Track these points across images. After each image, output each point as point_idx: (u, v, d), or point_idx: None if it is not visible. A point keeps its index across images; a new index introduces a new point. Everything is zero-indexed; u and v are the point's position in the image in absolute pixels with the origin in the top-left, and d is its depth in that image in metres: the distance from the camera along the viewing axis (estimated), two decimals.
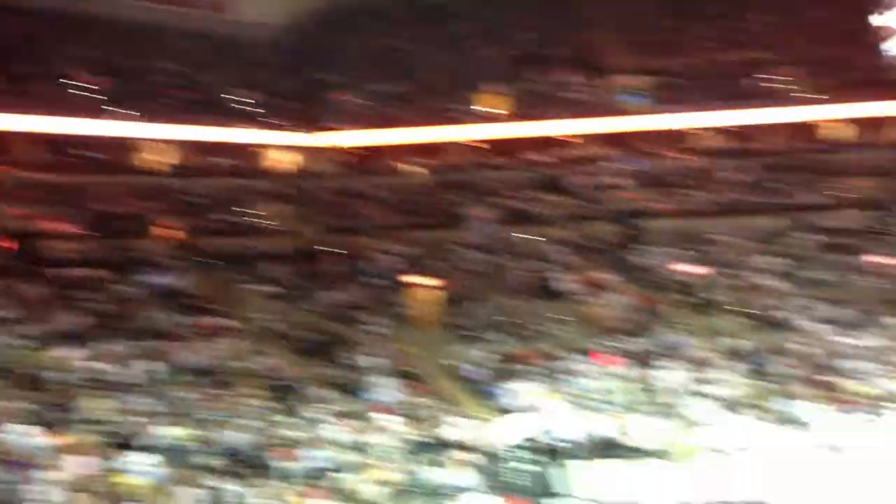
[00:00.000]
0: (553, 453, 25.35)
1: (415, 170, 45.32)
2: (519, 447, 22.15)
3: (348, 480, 21.55)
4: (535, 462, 23.35)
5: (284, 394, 26.03)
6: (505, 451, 22.08)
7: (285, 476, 21.33)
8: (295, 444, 22.75)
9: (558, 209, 39.66)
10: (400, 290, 34.36)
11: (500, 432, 24.07)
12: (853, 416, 26.03)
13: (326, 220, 39.85)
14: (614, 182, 41.29)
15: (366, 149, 46.40)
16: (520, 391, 27.97)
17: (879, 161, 40.86)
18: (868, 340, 30.37)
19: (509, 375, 29.54)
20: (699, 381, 28.89)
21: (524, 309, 33.62)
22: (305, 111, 45.96)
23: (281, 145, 45.84)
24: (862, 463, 22.78)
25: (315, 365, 29.02)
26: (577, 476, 23.67)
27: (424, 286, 34.20)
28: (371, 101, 47.09)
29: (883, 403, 26.48)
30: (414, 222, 39.79)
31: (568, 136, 45.14)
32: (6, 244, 32.11)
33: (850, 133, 44.30)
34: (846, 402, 26.86)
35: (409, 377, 28.72)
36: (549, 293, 34.59)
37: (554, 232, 38.12)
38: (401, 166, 45.93)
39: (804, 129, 44.42)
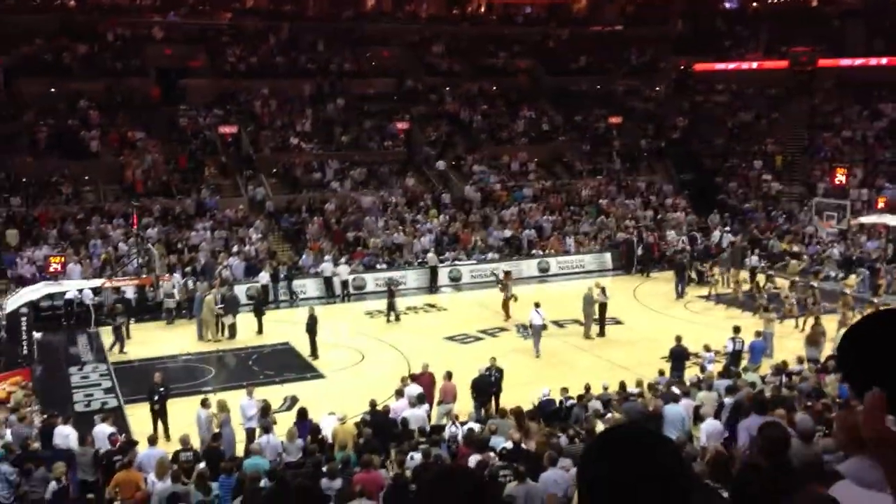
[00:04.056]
0: (74, 317, 24.26)
1: None
2: (25, 314, 20.50)
3: None
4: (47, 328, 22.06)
5: None
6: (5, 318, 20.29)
7: None
8: None
9: (88, 61, 36.23)
10: None
11: (14, 300, 22.11)
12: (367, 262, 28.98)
13: None
14: (152, 36, 38.75)
15: None
16: (39, 257, 25.98)
17: (407, 32, 43.92)
18: (389, 198, 33.47)
19: (29, 241, 27.30)
20: (232, 239, 29.51)
21: (44, 167, 30.87)
22: None
23: None
24: None
25: None
26: (100, 339, 23.00)
27: None
28: None
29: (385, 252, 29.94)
30: None
31: None
32: None
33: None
34: (364, 254, 29.62)
35: None
36: (75, 151, 31.99)
37: (85, 86, 34.94)
38: None
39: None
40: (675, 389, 14.71)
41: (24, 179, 30.26)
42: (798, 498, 2.85)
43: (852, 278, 26.07)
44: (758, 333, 18.96)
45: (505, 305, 24.39)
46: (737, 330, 18.69)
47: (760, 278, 26.77)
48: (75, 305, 24.34)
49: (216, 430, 14.01)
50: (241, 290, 25.54)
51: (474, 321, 24.27)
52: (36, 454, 12.86)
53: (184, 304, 24.75)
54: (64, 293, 23.88)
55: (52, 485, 11.86)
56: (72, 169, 31.19)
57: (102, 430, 13.78)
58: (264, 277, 26.16)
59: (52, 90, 34.50)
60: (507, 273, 26.21)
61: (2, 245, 26.98)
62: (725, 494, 8.57)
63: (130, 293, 24.77)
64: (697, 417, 12.78)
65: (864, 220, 31.09)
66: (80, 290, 24.18)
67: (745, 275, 27.58)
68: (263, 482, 10.69)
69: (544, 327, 21.28)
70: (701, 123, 42.76)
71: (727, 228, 32.94)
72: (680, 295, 26.97)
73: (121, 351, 21.60)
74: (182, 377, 19.67)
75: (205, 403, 14.81)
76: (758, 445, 4.44)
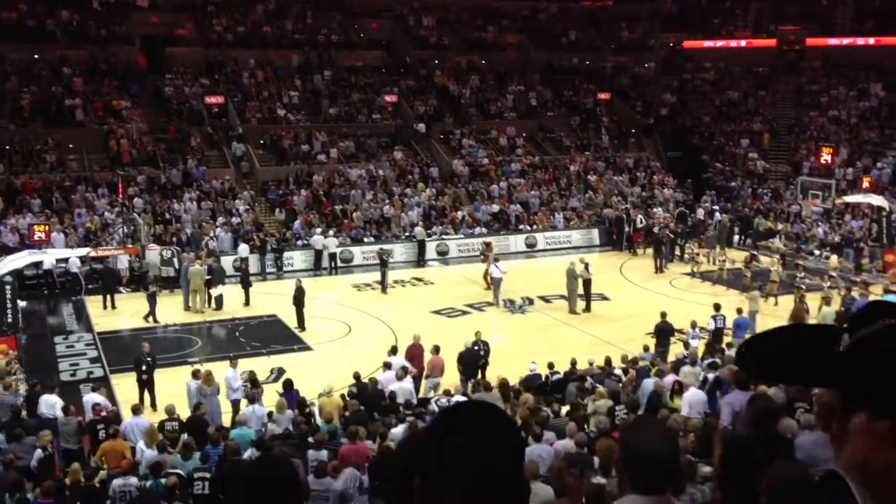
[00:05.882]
0: (56, 286, 24.14)
1: None
2: (9, 282, 20.37)
3: None
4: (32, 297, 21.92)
5: None
6: None
7: None
8: None
9: (73, 28, 35.72)
10: None
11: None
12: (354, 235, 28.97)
13: None
14: (138, 3, 38.22)
15: None
16: (23, 225, 25.80)
17: (396, 4, 43.48)
18: (376, 171, 33.37)
19: (12, 209, 27.08)
20: (218, 210, 29.40)
21: (28, 135, 30.57)
22: None
23: None
24: None
25: None
26: (81, 308, 22.92)
27: None
28: None
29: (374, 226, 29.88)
30: None
31: None
32: None
33: None
34: (351, 227, 29.60)
35: None
36: (59, 119, 31.66)
37: (69, 53, 34.49)
38: None
39: None
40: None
41: (7, 147, 29.94)
42: (771, 471, 2.92)
43: (835, 259, 26.20)
44: (739, 311, 19.05)
45: (486, 276, 24.67)
46: (717, 307, 18.79)
47: (748, 256, 26.89)
48: (56, 276, 24.09)
49: (199, 401, 14.02)
50: (227, 262, 25.47)
51: (461, 295, 24.36)
52: (22, 422, 12.86)
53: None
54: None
55: (38, 452, 11.88)
56: (56, 137, 30.88)
57: (91, 399, 13.80)
58: (244, 250, 26.04)
59: (36, 56, 34.09)
60: (488, 244, 27.11)
61: None
62: (707, 469, 8.72)
63: (123, 263, 24.64)
64: (680, 391, 12.90)
65: (849, 199, 31.28)
66: (66, 260, 24.00)
67: (732, 253, 27.74)
68: (248, 453, 10.74)
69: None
70: (689, 101, 42.81)
71: (716, 207, 33.05)
72: (660, 269, 27.19)
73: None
74: (169, 348, 19.65)
75: (195, 375, 14.84)
76: (748, 416, 4.53)
